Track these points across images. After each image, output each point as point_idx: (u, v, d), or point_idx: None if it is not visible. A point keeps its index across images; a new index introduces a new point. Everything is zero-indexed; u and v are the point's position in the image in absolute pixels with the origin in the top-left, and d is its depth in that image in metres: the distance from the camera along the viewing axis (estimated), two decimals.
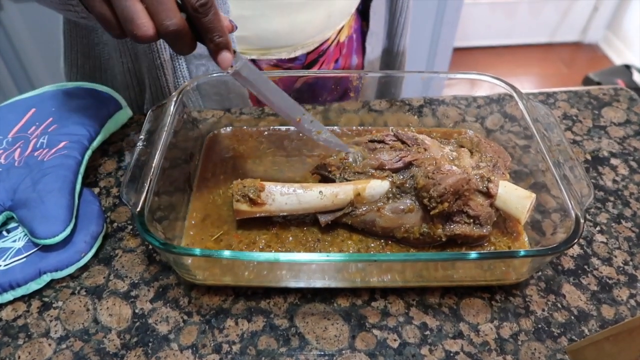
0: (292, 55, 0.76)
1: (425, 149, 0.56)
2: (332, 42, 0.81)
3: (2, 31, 1.53)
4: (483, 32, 2.72)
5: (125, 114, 0.72)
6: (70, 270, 0.54)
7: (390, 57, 0.91)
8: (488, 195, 0.54)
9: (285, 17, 0.70)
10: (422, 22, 1.72)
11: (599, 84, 2.29)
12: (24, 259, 0.53)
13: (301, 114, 0.56)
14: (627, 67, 2.35)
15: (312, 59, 0.80)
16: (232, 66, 0.50)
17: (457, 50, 2.57)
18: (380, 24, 0.86)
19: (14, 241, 0.55)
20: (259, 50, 0.74)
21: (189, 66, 0.73)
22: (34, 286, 0.53)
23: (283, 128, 0.71)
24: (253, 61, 0.75)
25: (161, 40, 0.67)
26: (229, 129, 0.71)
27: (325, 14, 0.74)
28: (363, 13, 0.85)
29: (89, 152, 0.64)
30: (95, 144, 0.65)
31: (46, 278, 0.53)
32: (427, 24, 1.74)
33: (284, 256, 0.47)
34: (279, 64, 0.77)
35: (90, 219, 0.57)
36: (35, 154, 0.60)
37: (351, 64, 0.87)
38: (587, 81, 2.37)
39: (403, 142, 0.57)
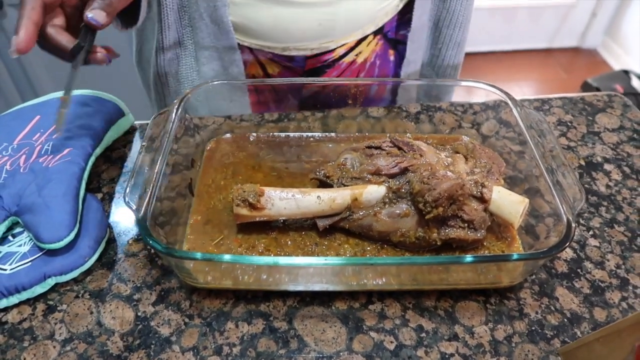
0: (286, 53, 0.78)
1: (421, 155, 0.58)
2: (339, 58, 0.81)
3: (4, 38, 1.55)
4: (482, 37, 2.74)
5: (127, 120, 0.73)
6: (75, 274, 0.55)
7: (438, 71, 0.90)
8: (482, 200, 0.55)
9: (268, 9, 0.73)
10: None
11: (597, 89, 2.30)
12: (29, 263, 0.54)
13: None
14: (626, 73, 2.36)
15: (313, 65, 0.80)
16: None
17: None
18: (419, 53, 0.85)
19: (20, 246, 0.56)
20: (254, 40, 0.77)
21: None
22: (39, 290, 0.54)
23: (282, 134, 0.72)
24: (250, 50, 0.78)
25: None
26: (229, 135, 0.72)
27: (313, 21, 0.74)
28: (394, 42, 0.83)
29: (92, 159, 0.65)
30: (98, 150, 0.67)
31: (51, 282, 0.54)
32: None
33: (283, 260, 0.48)
34: (275, 59, 0.79)
35: (93, 224, 0.58)
36: (40, 160, 0.61)
37: (371, 87, 0.83)
38: (586, 86, 2.38)
39: (399, 148, 0.59)
